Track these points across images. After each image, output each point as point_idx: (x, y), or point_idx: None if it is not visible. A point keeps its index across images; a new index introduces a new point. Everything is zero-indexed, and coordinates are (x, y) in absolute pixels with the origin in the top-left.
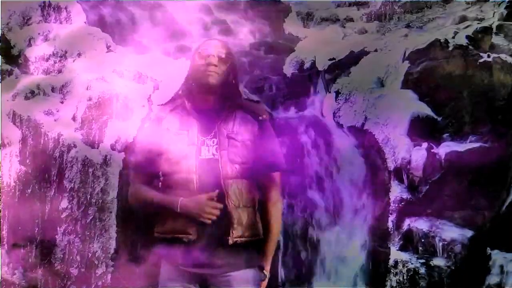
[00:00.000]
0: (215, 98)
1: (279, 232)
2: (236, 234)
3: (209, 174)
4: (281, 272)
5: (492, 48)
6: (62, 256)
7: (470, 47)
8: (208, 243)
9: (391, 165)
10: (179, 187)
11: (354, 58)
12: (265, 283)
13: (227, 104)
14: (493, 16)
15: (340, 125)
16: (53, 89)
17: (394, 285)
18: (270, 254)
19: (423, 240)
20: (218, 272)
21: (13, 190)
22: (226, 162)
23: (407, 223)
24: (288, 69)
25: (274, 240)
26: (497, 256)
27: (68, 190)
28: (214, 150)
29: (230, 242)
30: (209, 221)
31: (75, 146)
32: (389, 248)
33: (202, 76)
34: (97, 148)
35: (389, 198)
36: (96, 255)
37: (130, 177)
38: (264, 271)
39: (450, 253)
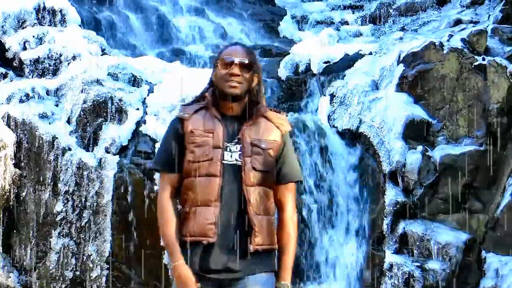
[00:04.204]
0: (239, 105)
1: (296, 243)
2: (258, 242)
3: (231, 180)
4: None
5: (487, 51)
6: (57, 259)
7: (465, 50)
8: (227, 248)
9: (386, 168)
10: (202, 189)
11: (349, 61)
12: None
13: (252, 111)
14: (488, 19)
15: (335, 128)
16: (48, 92)
17: None
18: (290, 265)
19: (418, 243)
20: (235, 276)
21: (8, 193)
22: (249, 169)
23: (402, 226)
24: (283, 72)
25: (294, 252)
26: (492, 259)
27: (63, 193)
28: (237, 156)
29: (251, 250)
30: None
31: (70, 149)
32: (384, 251)
33: (226, 86)
34: (92, 151)
35: (384, 201)
36: (91, 258)
37: (160, 182)
38: (286, 282)
39: (445, 256)
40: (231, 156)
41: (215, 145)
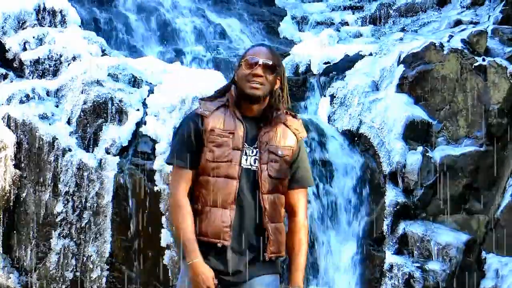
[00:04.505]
0: (259, 107)
1: (308, 248)
2: (272, 250)
3: (247, 184)
4: None
5: (487, 51)
6: (57, 260)
7: (465, 50)
8: (240, 252)
9: (386, 169)
10: (220, 190)
11: (349, 62)
12: None
13: (271, 115)
14: (488, 19)
15: (335, 129)
16: (48, 93)
17: None
18: (303, 269)
19: (418, 244)
20: (241, 280)
21: (8, 194)
22: (265, 176)
23: (402, 227)
24: None
25: (305, 256)
26: (492, 260)
27: (63, 194)
28: (252, 160)
29: (267, 258)
30: None
31: (70, 150)
32: (384, 252)
33: (247, 87)
34: (92, 152)
35: (384, 202)
36: (91, 259)
37: (172, 178)
38: (299, 286)
39: (445, 257)
40: (246, 160)
41: (234, 147)
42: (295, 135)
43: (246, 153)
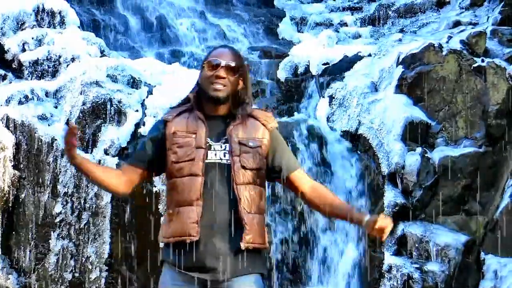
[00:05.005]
0: (225, 107)
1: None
2: (248, 240)
3: (218, 179)
4: (275, 276)
5: (486, 52)
6: (56, 261)
7: (464, 51)
8: (214, 247)
9: (385, 170)
10: (185, 189)
11: (348, 63)
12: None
13: (237, 111)
14: (487, 20)
15: (334, 130)
16: (47, 94)
17: None
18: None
19: (417, 245)
20: (221, 277)
21: (7, 195)
22: (238, 168)
23: (401, 227)
24: (282, 73)
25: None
26: (491, 261)
27: (62, 195)
28: (221, 154)
29: (242, 247)
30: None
31: None
32: (383, 252)
33: (210, 89)
34: (91, 152)
35: (383, 203)
36: (90, 260)
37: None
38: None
39: (444, 258)
40: (215, 155)
41: (197, 145)
42: (265, 126)
43: (214, 148)
